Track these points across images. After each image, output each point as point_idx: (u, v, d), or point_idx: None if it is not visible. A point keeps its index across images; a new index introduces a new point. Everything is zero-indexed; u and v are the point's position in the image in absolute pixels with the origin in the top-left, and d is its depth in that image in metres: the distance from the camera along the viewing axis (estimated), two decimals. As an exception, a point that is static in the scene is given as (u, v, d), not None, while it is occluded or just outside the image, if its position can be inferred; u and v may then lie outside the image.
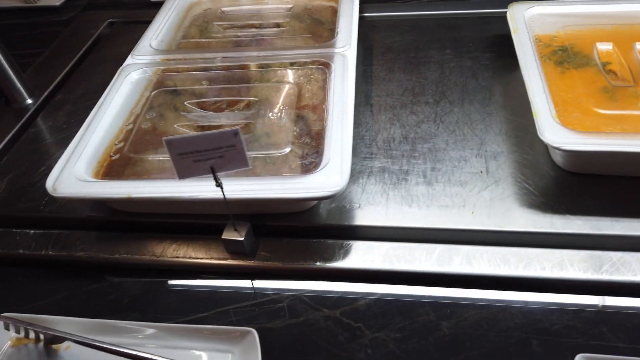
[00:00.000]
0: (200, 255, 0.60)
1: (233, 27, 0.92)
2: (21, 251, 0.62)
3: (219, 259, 0.60)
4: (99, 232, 0.65)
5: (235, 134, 0.50)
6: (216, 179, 0.53)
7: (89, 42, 1.02)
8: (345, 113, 0.66)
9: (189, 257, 0.60)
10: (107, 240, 0.63)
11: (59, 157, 0.74)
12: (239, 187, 0.56)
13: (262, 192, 0.56)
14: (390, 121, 0.75)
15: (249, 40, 0.87)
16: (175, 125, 0.70)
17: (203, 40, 0.88)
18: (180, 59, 0.81)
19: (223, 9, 0.94)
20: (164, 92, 0.76)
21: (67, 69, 0.95)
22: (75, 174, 0.61)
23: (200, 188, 0.57)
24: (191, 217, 0.64)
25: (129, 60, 0.81)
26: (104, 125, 0.69)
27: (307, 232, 0.62)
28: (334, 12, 0.93)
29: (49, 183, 0.60)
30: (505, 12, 0.80)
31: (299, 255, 0.59)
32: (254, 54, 0.81)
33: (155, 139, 0.69)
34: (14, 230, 0.65)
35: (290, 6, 0.93)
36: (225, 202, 0.55)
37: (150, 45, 0.84)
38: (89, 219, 0.66)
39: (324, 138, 0.65)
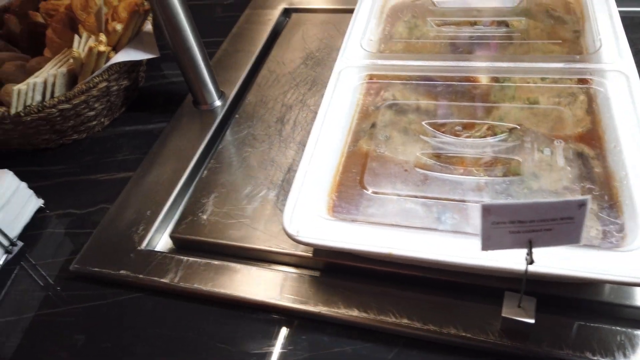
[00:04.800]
0: (465, 330, 0.49)
1: (446, 24, 0.78)
2: (244, 295, 0.55)
3: (488, 336, 0.48)
4: (327, 276, 0.56)
5: (581, 205, 0.37)
6: (531, 256, 0.40)
7: (268, 33, 0.93)
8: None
9: (449, 329, 0.49)
10: (340, 290, 0.54)
11: (265, 177, 0.67)
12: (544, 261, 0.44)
13: (578, 271, 0.43)
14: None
15: (471, 44, 0.73)
16: (417, 154, 0.58)
17: (414, 40, 0.75)
18: (398, 67, 0.69)
19: (436, 0, 0.80)
20: (388, 108, 0.65)
21: (251, 65, 0.86)
22: (314, 211, 0.52)
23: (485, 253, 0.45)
24: (436, 272, 0.53)
25: (340, 63, 0.70)
26: (331, 147, 0.59)
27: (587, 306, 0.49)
28: (568, 7, 0.76)
29: (288, 223, 0.51)
30: None
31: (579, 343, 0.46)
32: (492, 64, 0.67)
33: (394, 169, 0.57)
34: (231, 264, 0.57)
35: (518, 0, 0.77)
36: (523, 278, 0.43)
37: (362, 47, 0.72)
38: (315, 259, 0.57)
39: (619, 187, 0.50)
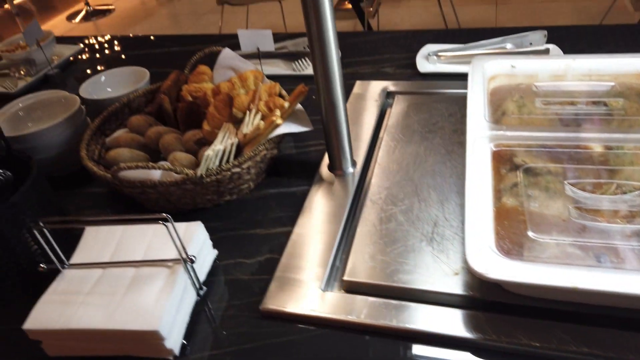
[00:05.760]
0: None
1: (550, 103, 0.91)
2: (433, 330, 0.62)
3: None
4: (496, 314, 0.63)
5: None
6: None
7: (377, 111, 1.07)
8: None
9: (627, 355, 0.56)
10: (515, 324, 0.61)
11: (415, 231, 0.76)
12: None
13: None
14: None
15: (577, 119, 0.85)
16: (569, 206, 0.68)
17: (526, 116, 0.88)
18: (522, 137, 0.81)
19: (536, 84, 0.94)
20: (524, 171, 0.75)
21: (370, 138, 0.99)
22: (491, 253, 0.61)
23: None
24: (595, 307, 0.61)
25: (472, 134, 0.82)
26: (482, 204, 0.69)
27: None
28: (652, 89, 0.89)
29: (475, 265, 0.59)
30: None
31: None
32: (607, 135, 0.78)
33: (551, 219, 0.67)
34: (406, 303, 0.65)
35: (611, 84, 0.91)
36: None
37: (486, 120, 0.84)
38: (481, 299, 0.65)
39: None
